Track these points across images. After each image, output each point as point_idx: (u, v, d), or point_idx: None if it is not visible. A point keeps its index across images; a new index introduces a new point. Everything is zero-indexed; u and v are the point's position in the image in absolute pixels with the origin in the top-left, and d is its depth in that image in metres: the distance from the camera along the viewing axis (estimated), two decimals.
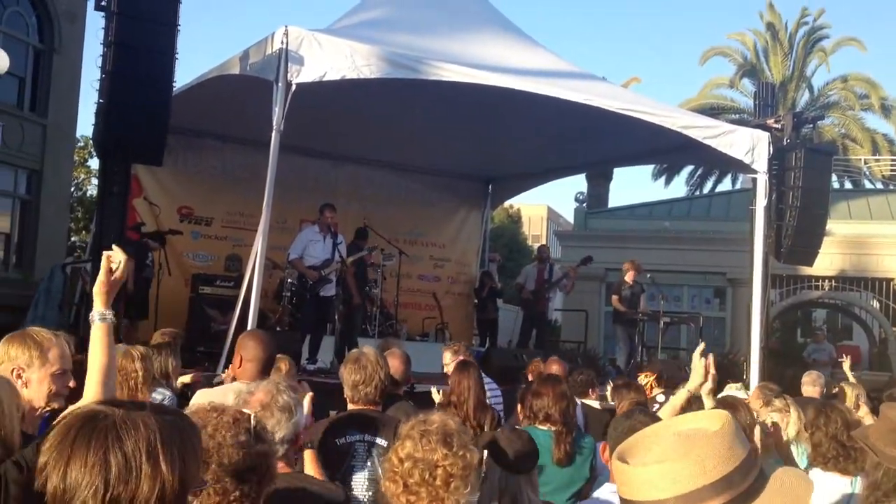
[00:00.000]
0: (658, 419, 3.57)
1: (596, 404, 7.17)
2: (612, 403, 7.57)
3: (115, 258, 2.92)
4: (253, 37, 11.25)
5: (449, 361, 6.88)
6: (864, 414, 6.66)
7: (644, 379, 7.07)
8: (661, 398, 6.92)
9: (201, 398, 4.34)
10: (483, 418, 5.35)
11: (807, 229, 11.45)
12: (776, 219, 11.32)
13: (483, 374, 7.34)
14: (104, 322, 2.93)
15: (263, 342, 4.62)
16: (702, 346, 4.50)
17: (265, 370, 4.53)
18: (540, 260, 14.43)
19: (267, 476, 2.41)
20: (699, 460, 1.49)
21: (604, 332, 19.33)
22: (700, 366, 4.30)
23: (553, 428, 4.65)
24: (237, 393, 3.34)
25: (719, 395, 5.46)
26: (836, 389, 8.22)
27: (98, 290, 2.91)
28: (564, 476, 4.68)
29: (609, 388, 8.22)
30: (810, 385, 8.08)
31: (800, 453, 4.69)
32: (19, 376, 3.01)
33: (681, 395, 4.40)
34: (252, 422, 2.44)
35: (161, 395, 5.32)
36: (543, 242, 23.11)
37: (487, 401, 6.36)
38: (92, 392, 2.85)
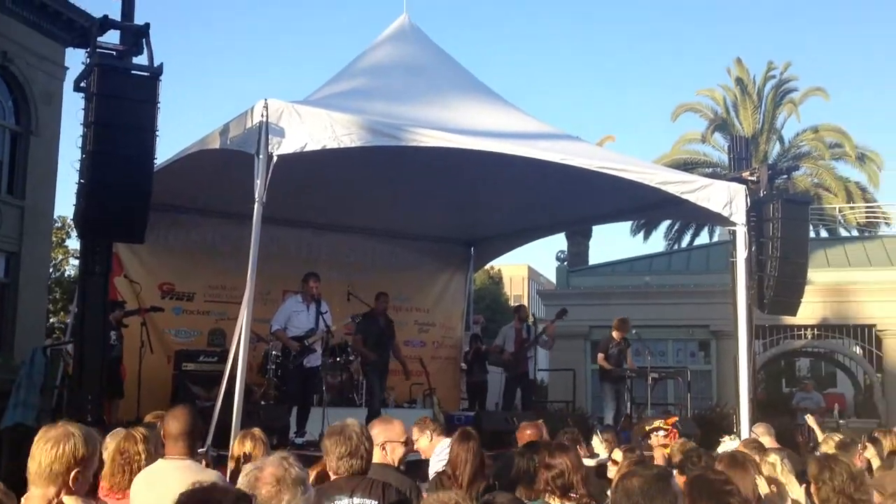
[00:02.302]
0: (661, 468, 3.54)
1: (589, 462, 7.12)
2: (602, 456, 7.55)
3: None
4: (234, 110, 11.33)
5: (417, 437, 6.76)
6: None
7: (662, 424, 6.93)
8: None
9: (139, 478, 4.44)
10: (479, 488, 5.29)
11: (788, 279, 11.49)
12: (757, 270, 11.37)
13: (448, 438, 7.27)
14: None
15: (183, 417, 4.76)
16: None
17: (192, 444, 4.76)
18: (518, 320, 14.37)
19: None
20: None
21: (591, 390, 19.24)
22: None
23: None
24: (244, 472, 3.31)
25: (721, 450, 5.43)
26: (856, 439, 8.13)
27: None
28: None
29: (595, 439, 8.20)
30: (766, 436, 8.11)
31: None
32: None
33: None
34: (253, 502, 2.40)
35: None
36: (524, 302, 23.16)
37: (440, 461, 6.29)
38: None
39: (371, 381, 12.28)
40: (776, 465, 4.60)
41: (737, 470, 3.80)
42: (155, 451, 5.07)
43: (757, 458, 5.01)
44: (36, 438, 3.22)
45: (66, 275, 28.39)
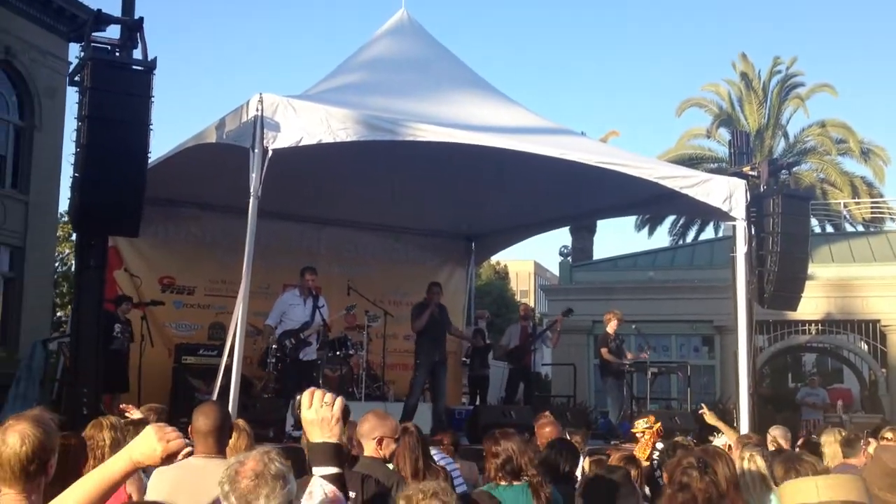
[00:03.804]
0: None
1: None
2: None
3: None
4: (229, 105, 11.34)
5: None
6: None
7: (644, 424, 6.95)
8: (659, 445, 6.90)
9: (158, 477, 4.28)
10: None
11: (788, 274, 11.46)
12: (757, 265, 11.35)
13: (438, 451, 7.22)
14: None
15: (212, 413, 4.66)
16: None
17: (221, 441, 4.62)
18: (523, 318, 14.40)
19: None
20: None
21: (593, 385, 19.23)
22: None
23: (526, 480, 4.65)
24: (225, 464, 3.30)
25: (705, 445, 5.42)
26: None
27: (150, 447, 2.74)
28: None
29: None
30: (782, 438, 8.07)
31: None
32: None
33: None
34: None
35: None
36: (530, 297, 23.19)
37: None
38: None
39: (416, 377, 12.05)
40: (756, 460, 4.58)
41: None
42: (124, 441, 5.06)
43: (738, 452, 5.00)
44: None
45: (72, 269, 28.45)
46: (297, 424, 10.30)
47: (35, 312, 18.79)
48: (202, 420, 4.61)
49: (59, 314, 24.88)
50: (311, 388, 2.66)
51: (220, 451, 4.67)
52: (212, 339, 12.73)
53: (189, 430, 4.74)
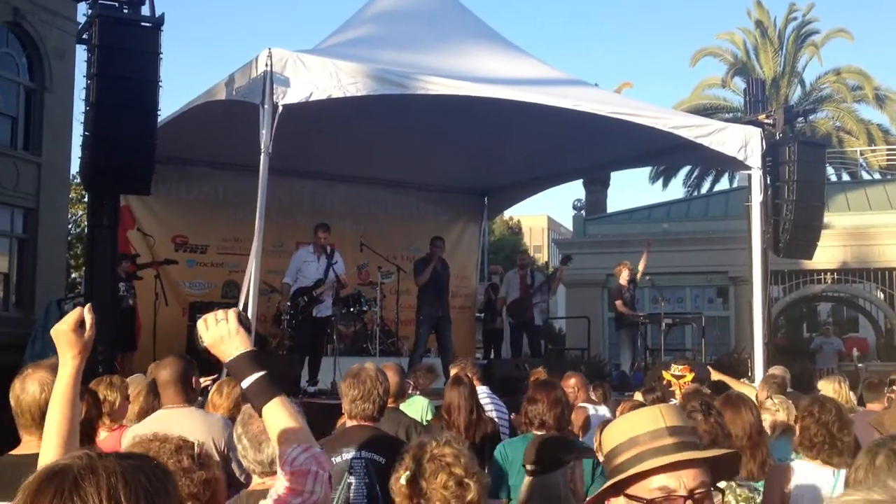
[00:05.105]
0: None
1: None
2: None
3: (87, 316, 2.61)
4: (239, 61, 11.23)
5: None
6: None
7: (679, 372, 6.93)
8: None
9: (132, 434, 4.31)
10: (476, 433, 5.30)
11: (804, 222, 11.40)
12: (773, 214, 11.29)
13: (488, 389, 7.32)
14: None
15: (171, 365, 4.75)
16: None
17: (185, 391, 4.71)
18: (521, 267, 14.31)
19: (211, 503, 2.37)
20: None
21: (608, 337, 19.24)
22: None
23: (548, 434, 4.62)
24: (243, 409, 3.37)
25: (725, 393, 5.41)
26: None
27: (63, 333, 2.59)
28: None
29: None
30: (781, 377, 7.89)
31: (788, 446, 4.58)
32: None
33: None
34: (196, 449, 2.40)
35: None
36: (544, 252, 23.12)
37: (488, 414, 6.32)
38: (52, 451, 2.53)
39: (419, 333, 12.10)
40: (778, 406, 4.56)
41: (728, 409, 3.78)
42: (126, 401, 5.16)
43: (763, 397, 4.97)
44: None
45: (86, 230, 28.54)
46: (312, 380, 10.40)
47: (49, 274, 18.86)
48: (164, 372, 4.73)
49: (73, 275, 25.00)
50: (202, 316, 2.58)
51: (186, 400, 4.73)
52: (225, 297, 12.75)
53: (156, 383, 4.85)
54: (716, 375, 8.60)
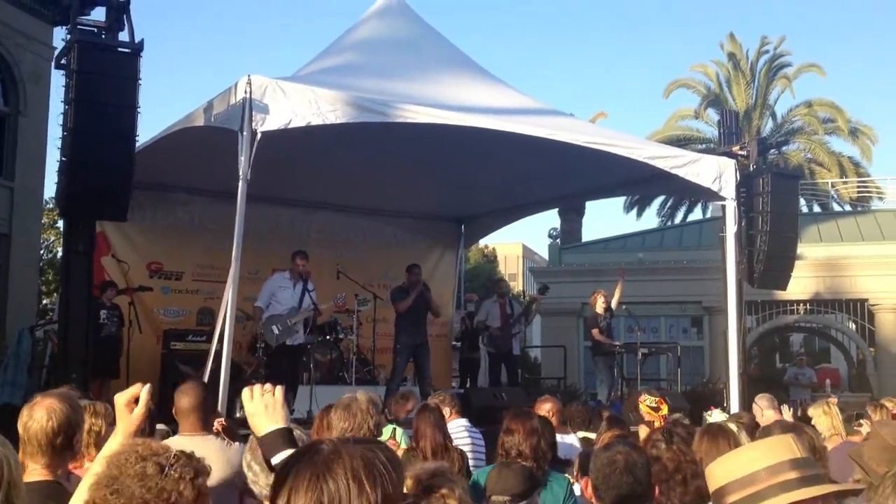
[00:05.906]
0: (638, 448, 3.52)
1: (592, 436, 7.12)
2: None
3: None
4: (218, 87, 11.24)
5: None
6: None
7: (654, 404, 6.88)
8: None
9: None
10: (444, 461, 5.27)
11: (778, 253, 11.50)
12: (747, 244, 11.38)
13: (466, 423, 7.27)
14: None
15: (193, 392, 4.71)
16: None
17: (204, 418, 4.67)
18: (500, 295, 14.28)
19: None
20: None
21: (583, 366, 19.25)
22: None
23: (525, 465, 4.59)
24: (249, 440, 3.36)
25: (706, 424, 5.41)
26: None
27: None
28: None
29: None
30: (770, 409, 7.95)
31: None
32: None
33: None
34: (168, 459, 2.35)
35: None
36: (519, 280, 23.17)
37: (466, 447, 6.29)
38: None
39: (396, 362, 11.89)
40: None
41: (706, 439, 3.79)
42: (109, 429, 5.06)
43: (735, 429, 4.97)
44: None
45: (58, 256, 28.22)
46: (289, 409, 10.30)
47: (21, 300, 18.65)
48: (184, 399, 4.67)
49: (44, 302, 24.73)
50: (249, 385, 2.63)
51: (205, 427, 4.69)
52: (200, 324, 12.66)
53: (174, 410, 4.76)
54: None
